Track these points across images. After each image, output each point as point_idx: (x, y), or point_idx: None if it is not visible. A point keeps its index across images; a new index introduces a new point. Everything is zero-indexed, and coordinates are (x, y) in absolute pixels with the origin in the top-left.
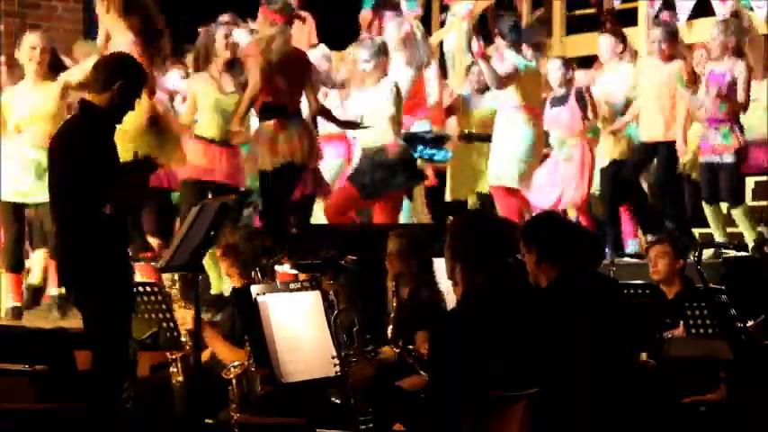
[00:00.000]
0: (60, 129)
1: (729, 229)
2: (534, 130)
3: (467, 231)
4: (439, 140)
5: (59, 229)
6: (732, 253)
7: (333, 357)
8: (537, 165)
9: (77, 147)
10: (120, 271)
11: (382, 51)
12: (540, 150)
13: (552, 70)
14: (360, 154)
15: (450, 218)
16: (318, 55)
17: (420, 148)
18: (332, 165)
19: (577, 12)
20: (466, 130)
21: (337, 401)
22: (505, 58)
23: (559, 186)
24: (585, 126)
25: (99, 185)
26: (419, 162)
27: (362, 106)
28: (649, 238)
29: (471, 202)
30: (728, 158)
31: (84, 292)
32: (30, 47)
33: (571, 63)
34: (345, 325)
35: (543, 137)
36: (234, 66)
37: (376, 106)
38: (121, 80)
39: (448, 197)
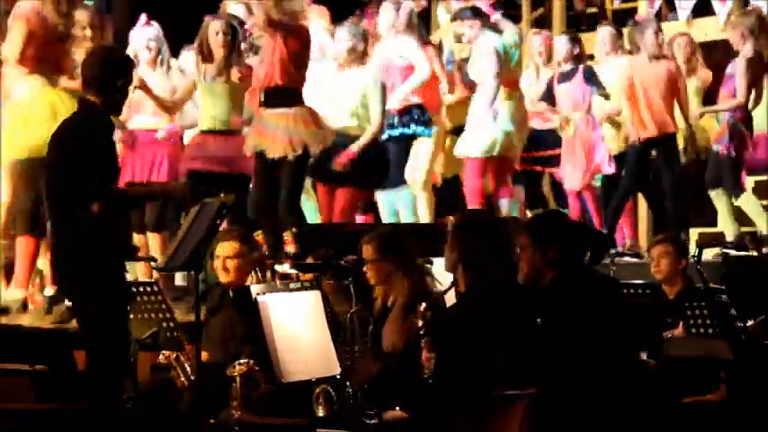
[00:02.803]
0: (60, 128)
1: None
2: (514, 103)
3: (468, 229)
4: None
5: (56, 228)
6: (733, 252)
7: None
8: (522, 140)
9: (82, 147)
10: (115, 270)
11: (362, 37)
12: (523, 125)
13: (559, 45)
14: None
15: (451, 217)
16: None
17: (413, 125)
18: None
19: (577, 11)
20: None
21: (322, 414)
22: (483, 52)
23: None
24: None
25: (101, 185)
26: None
27: (338, 88)
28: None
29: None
30: (716, 146)
31: (79, 291)
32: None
33: (579, 38)
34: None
35: (525, 110)
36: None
37: (350, 92)
38: (123, 78)
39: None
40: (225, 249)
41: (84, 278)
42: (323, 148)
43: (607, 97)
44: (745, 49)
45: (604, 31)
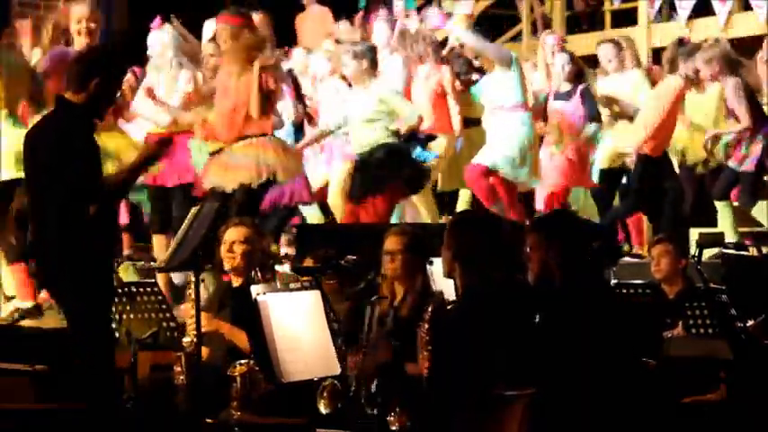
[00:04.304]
0: (36, 127)
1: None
2: (532, 130)
3: (466, 229)
4: (429, 141)
5: (41, 228)
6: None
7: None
8: (531, 166)
9: (58, 145)
10: (102, 269)
11: (364, 56)
12: (536, 150)
13: (560, 64)
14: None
15: (449, 216)
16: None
17: (418, 149)
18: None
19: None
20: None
21: (326, 411)
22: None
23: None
24: (584, 126)
25: (82, 182)
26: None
27: (351, 108)
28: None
29: (466, 198)
30: (746, 167)
31: (65, 291)
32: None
33: (579, 60)
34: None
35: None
36: None
37: (362, 110)
38: (98, 77)
39: (439, 188)
40: (233, 234)
41: (74, 279)
42: (292, 178)
43: (599, 121)
44: (730, 80)
45: (607, 49)
